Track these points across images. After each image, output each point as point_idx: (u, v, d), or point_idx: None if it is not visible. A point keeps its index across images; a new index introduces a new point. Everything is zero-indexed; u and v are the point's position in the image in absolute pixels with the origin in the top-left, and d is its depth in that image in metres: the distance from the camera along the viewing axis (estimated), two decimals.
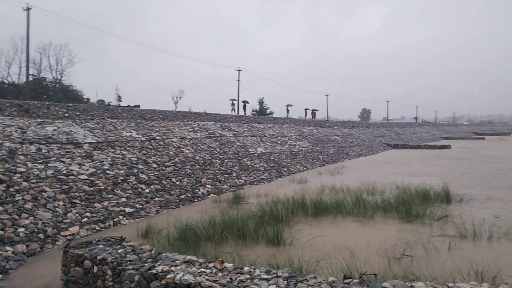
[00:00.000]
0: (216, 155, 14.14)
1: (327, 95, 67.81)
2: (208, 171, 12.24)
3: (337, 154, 22.70)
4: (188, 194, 10.03)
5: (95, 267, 3.62)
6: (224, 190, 11.16)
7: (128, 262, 3.44)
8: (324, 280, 2.99)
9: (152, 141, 13.08)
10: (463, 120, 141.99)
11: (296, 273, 3.21)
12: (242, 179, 12.77)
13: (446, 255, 5.06)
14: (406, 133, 46.44)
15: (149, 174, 10.20)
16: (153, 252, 3.75)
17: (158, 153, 12.06)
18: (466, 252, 5.16)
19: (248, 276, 3.09)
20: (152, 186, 9.58)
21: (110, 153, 10.58)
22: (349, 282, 2.95)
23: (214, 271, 3.19)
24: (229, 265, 3.31)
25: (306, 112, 45.03)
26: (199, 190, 10.58)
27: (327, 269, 4.07)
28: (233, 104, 36.75)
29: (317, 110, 46.47)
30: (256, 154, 16.48)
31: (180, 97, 53.44)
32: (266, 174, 14.36)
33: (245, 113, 36.05)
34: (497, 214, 7.42)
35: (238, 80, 47.08)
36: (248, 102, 39.41)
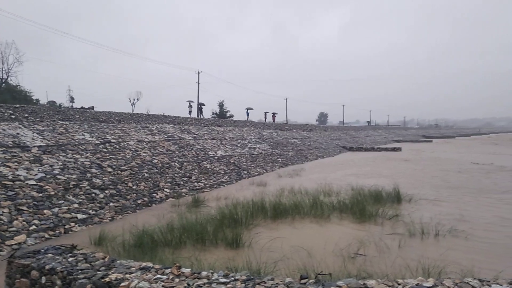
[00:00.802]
0: (175, 159, 13.89)
1: (286, 99, 68.94)
2: (167, 175, 11.99)
3: (296, 156, 23.13)
4: (146, 199, 9.76)
5: (43, 278, 3.42)
6: (183, 194, 10.98)
7: (80, 271, 3.29)
8: (281, 281, 3.03)
9: (107, 144, 12.59)
10: (413, 124, 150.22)
11: (254, 275, 3.24)
12: (201, 183, 12.65)
13: (397, 252, 5.32)
14: (361, 136, 48.33)
15: (104, 178, 9.81)
16: (106, 259, 3.61)
17: (113, 156, 11.63)
18: (415, 250, 5.46)
19: (206, 280, 3.07)
20: (106, 191, 9.22)
21: (61, 157, 10.05)
22: (305, 282, 3.02)
23: (171, 277, 3.14)
24: (186, 270, 3.27)
25: (266, 115, 45.47)
26: (157, 194, 10.34)
27: (285, 270, 4.15)
28: (190, 106, 35.99)
29: (277, 114, 47.11)
30: (216, 157, 16.39)
31: (137, 99, 51.93)
32: (226, 177, 14.32)
33: (201, 116, 35.24)
34: (442, 212, 7.93)
35: (198, 83, 46.57)
36: (204, 105, 38.49)
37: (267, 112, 45.78)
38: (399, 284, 2.98)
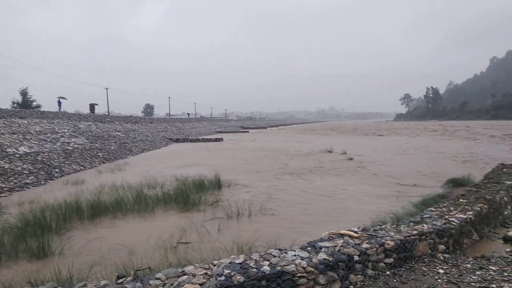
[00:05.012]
0: None
1: (107, 89, 63.42)
2: None
3: (119, 150, 21.79)
4: None
5: None
6: None
7: None
8: (95, 285, 2.82)
9: None
10: (233, 116, 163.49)
11: (65, 284, 2.91)
12: None
13: (216, 236, 5.72)
14: (187, 128, 49.48)
15: None
16: None
17: None
18: (232, 231, 5.99)
19: None
20: None
21: None
22: (122, 282, 2.90)
23: None
24: None
25: (91, 106, 40.72)
26: None
27: (102, 272, 3.87)
28: None
29: (97, 104, 42.97)
30: (17, 155, 13.78)
31: None
32: (32, 177, 12.25)
33: None
34: (255, 194, 8.97)
35: None
36: None
37: (94, 104, 41.25)
38: (214, 265, 3.22)
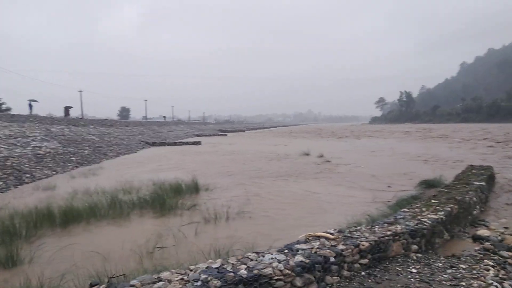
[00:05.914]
0: None
1: (81, 91, 61.63)
2: None
3: (94, 154, 21.26)
4: None
5: None
6: None
7: None
8: None
9: None
10: (211, 119, 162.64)
11: None
12: None
13: (193, 240, 5.67)
14: (164, 131, 48.87)
15: None
16: None
17: None
18: (209, 235, 5.94)
19: None
20: None
21: None
22: None
23: None
24: None
25: (66, 109, 39.45)
26: None
27: (74, 280, 3.75)
28: None
29: (71, 107, 41.80)
30: None
31: None
32: (1, 183, 11.77)
33: None
34: (232, 198, 8.93)
35: None
36: None
37: (70, 107, 40.04)
38: (191, 271, 3.18)
